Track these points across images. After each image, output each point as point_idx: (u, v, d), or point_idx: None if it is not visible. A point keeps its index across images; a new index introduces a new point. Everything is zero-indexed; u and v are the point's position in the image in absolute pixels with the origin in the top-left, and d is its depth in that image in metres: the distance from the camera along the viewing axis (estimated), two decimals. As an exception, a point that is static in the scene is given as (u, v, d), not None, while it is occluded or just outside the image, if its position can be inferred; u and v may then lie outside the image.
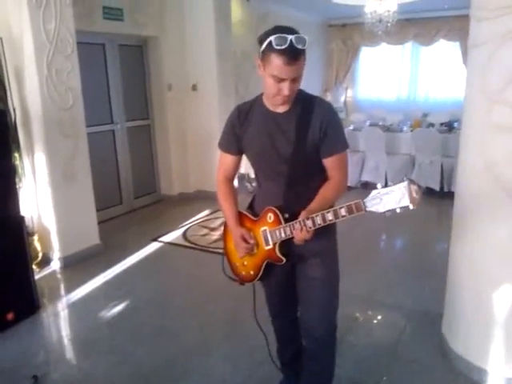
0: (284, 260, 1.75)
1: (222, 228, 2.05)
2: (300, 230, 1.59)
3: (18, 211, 3.13)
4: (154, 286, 3.60)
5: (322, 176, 1.76)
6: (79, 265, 3.93)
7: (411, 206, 1.41)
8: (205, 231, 4.74)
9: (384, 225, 4.69)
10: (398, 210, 1.44)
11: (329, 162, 1.74)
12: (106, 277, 3.75)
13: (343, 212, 1.52)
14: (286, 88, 1.58)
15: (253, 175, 2.07)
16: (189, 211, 5.35)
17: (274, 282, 2.00)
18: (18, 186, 3.40)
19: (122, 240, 4.57)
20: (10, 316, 2.96)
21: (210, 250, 4.22)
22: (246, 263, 1.90)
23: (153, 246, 4.38)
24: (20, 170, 3.72)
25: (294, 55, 1.52)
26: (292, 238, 1.67)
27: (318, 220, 1.57)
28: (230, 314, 3.13)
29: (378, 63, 9.02)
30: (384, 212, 1.45)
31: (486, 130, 2.15)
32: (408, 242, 4.64)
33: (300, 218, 1.60)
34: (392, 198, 1.43)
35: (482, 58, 2.13)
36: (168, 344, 2.80)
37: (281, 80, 1.57)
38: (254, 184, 4.43)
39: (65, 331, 3.12)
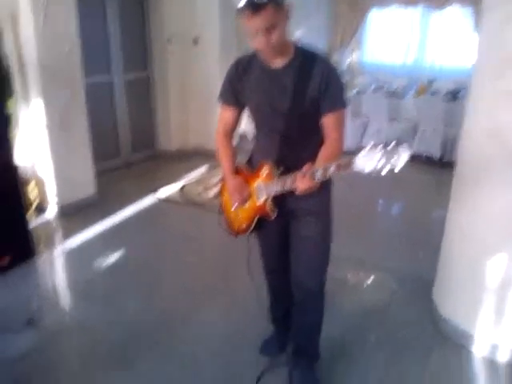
0: (273, 215, 1.78)
1: (220, 184, 2.08)
2: (303, 177, 1.59)
3: (12, 159, 3.09)
4: (149, 240, 3.62)
5: (318, 136, 1.77)
6: (75, 214, 3.93)
7: (396, 169, 1.41)
8: (202, 188, 4.72)
9: (381, 191, 4.68)
10: (383, 172, 1.42)
11: (327, 120, 1.73)
12: (102, 228, 3.76)
13: (332, 169, 1.53)
14: (261, 41, 1.60)
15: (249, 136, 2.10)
16: (186, 167, 5.31)
17: (269, 239, 2.05)
18: (12, 134, 3.35)
19: (118, 193, 4.56)
20: (5, 261, 2.98)
21: (207, 207, 4.22)
22: (239, 216, 1.94)
23: (149, 201, 4.37)
24: (15, 118, 3.65)
25: (254, 7, 1.54)
26: (284, 194, 1.71)
27: (318, 174, 1.57)
28: (223, 269, 3.15)
29: (386, 26, 8.76)
30: (370, 172, 1.43)
31: (495, 96, 2.11)
32: (405, 209, 4.64)
33: (303, 170, 1.60)
34: (379, 158, 1.41)
35: (496, 21, 2.06)
36: (162, 296, 2.84)
37: (255, 34, 1.59)
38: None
39: (59, 279, 3.15)
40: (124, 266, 3.22)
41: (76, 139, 3.99)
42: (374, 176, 1.44)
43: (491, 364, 2.29)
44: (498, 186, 2.16)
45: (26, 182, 3.69)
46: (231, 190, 1.89)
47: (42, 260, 3.26)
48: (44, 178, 3.89)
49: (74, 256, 3.36)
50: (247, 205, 1.88)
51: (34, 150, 3.87)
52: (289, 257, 1.99)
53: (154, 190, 4.57)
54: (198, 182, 4.91)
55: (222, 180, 2.02)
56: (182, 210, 4.25)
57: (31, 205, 3.80)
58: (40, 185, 3.90)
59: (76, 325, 2.57)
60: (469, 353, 2.34)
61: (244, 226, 1.93)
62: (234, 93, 1.84)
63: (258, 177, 1.82)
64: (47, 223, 3.83)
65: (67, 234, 3.63)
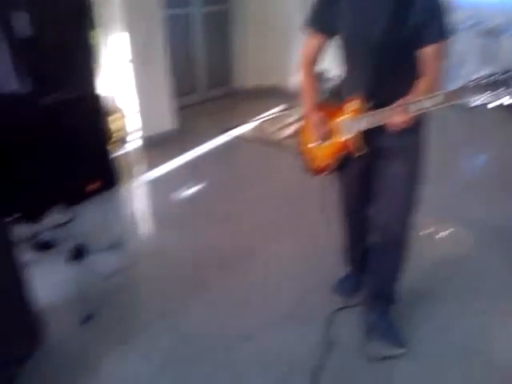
0: (359, 152, 1.68)
1: (300, 121, 1.99)
2: (396, 111, 1.49)
3: (96, 89, 3.18)
4: (225, 176, 3.67)
5: (413, 70, 1.62)
6: (156, 147, 4.06)
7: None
8: (277, 127, 4.65)
9: (469, 137, 4.36)
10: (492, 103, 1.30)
11: (427, 51, 1.58)
12: (180, 161, 3.87)
13: (440, 99, 1.40)
14: None
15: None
16: (262, 106, 5.24)
17: (350, 179, 1.96)
18: (96, 65, 3.43)
19: (195, 128, 4.63)
20: (89, 189, 3.16)
21: (282, 145, 4.17)
22: (320, 153, 1.85)
23: (224, 138, 4.40)
24: (98, 50, 3.73)
25: None
26: (371, 130, 1.62)
27: (413, 107, 1.46)
28: (297, 207, 3.14)
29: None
30: (478, 102, 1.31)
31: None
32: (493, 157, 4.31)
33: (398, 103, 1.50)
34: (490, 88, 1.29)
35: None
36: (236, 227, 2.89)
37: None
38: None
39: (140, 207, 3.31)
40: (200, 197, 3.31)
41: (157, 73, 4.04)
42: (478, 109, 1.31)
43: None
44: None
45: (109, 113, 3.83)
46: (313, 125, 1.80)
47: (124, 188, 3.43)
48: (127, 110, 4.02)
49: (154, 186, 3.51)
50: (330, 142, 1.78)
51: (116, 83, 3.98)
52: (368, 197, 1.90)
53: (230, 127, 4.58)
54: (274, 120, 4.84)
55: (304, 116, 1.91)
56: (256, 148, 4.25)
57: (114, 136, 3.96)
58: (122, 117, 4.04)
59: (155, 249, 2.71)
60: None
61: (325, 164, 1.84)
62: (328, 16, 1.68)
63: (343, 112, 1.71)
64: (129, 154, 4.00)
65: (148, 166, 3.78)
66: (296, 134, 2.02)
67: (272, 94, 5.59)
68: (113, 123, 3.94)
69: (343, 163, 1.81)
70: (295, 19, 5.01)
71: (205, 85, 5.56)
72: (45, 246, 2.64)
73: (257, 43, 5.65)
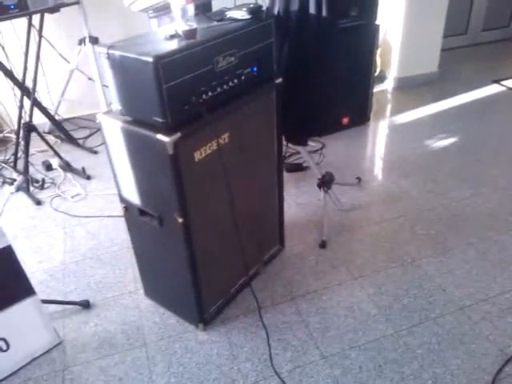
0: None
1: None
2: None
3: (376, 19, 3.07)
4: (483, 129, 3.25)
5: None
6: (411, 89, 3.84)
7: None
8: None
9: None
10: None
11: None
12: (437, 108, 3.58)
13: None
14: None
15: None
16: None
17: None
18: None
19: (460, 74, 4.17)
20: (345, 121, 3.20)
21: None
22: None
23: (494, 88, 3.86)
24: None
25: None
26: None
27: None
28: None
29: None
30: None
31: None
32: None
33: None
34: None
35: None
36: (484, 188, 2.60)
37: None
38: None
39: (384, 149, 3.23)
40: (450, 150, 3.04)
41: (431, 9, 3.70)
42: None
43: None
44: None
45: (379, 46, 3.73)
46: None
47: (372, 127, 3.38)
48: (391, 45, 3.85)
49: (403, 130, 3.35)
50: None
51: (388, 14, 3.80)
52: None
53: (500, 79, 3.98)
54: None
55: None
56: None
57: (374, 71, 3.87)
58: (385, 52, 3.90)
59: (400, 194, 2.63)
60: None
61: None
62: None
63: None
64: (383, 92, 3.89)
65: (400, 107, 3.62)
66: None
67: None
68: (379, 57, 3.85)
69: None
70: None
71: (479, 26, 4.89)
72: (297, 169, 2.84)
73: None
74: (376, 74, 3.91)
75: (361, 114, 3.33)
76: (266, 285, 2.05)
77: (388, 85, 3.95)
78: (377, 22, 3.16)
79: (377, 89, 3.89)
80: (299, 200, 2.62)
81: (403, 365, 1.67)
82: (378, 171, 2.92)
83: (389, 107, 3.70)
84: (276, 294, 2.01)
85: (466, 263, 2.11)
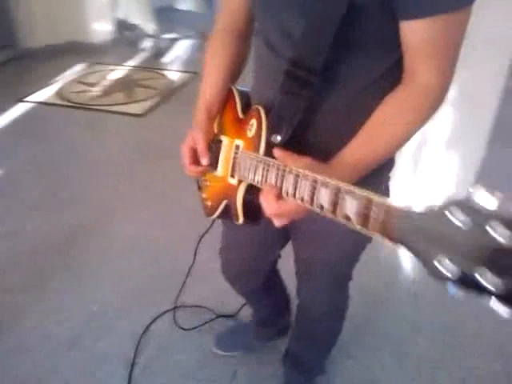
0: (240, 220, 0.89)
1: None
2: (269, 193, 0.75)
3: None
4: (33, 152, 3.13)
5: (380, 68, 0.82)
6: None
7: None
8: (82, 87, 4.16)
9: None
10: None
11: (415, 33, 0.73)
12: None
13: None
14: None
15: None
16: (59, 66, 4.58)
17: (240, 234, 1.25)
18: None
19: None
20: None
21: (92, 107, 3.75)
22: (210, 185, 1.08)
23: (21, 108, 3.75)
24: None
25: None
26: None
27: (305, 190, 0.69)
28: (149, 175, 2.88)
29: None
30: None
31: None
32: None
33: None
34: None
35: None
36: (67, 212, 2.54)
37: None
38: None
39: None
40: (6, 185, 2.80)
41: None
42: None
43: None
44: None
45: None
46: (194, 137, 0.99)
47: None
48: None
49: None
50: (218, 172, 0.99)
51: None
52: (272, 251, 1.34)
53: (24, 97, 3.92)
54: (76, 81, 4.32)
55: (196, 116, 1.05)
56: (63, 112, 3.73)
57: None
58: None
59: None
60: None
61: (209, 204, 1.07)
62: None
63: (242, 131, 0.92)
64: None
65: None
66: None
67: (68, 52, 4.91)
68: None
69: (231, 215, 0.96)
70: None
71: (-18, 49, 4.64)
72: None
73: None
74: None
75: None
76: None
77: None
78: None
79: None
80: None
81: None
82: None
83: None
84: None
85: None
